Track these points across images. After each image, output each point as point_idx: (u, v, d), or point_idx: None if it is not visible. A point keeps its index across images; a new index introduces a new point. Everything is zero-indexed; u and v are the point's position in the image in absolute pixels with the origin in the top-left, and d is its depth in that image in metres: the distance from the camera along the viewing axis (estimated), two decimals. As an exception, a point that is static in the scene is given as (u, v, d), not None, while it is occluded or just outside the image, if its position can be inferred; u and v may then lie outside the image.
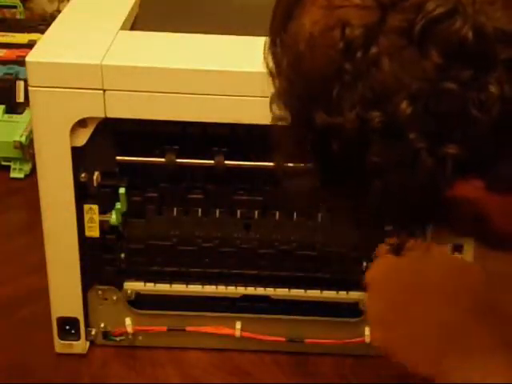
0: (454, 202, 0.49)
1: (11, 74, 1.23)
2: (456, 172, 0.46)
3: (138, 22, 0.87)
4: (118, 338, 0.87)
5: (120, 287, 0.85)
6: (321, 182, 0.51)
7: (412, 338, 0.66)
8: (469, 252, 0.82)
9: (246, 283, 0.85)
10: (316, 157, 0.50)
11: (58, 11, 1.53)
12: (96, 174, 0.79)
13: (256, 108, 0.74)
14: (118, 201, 0.80)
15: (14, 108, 1.22)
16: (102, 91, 0.73)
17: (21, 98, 1.22)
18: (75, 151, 0.77)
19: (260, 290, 0.85)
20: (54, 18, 0.83)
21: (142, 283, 0.85)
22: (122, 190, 0.80)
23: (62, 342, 0.85)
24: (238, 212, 0.83)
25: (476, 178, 0.47)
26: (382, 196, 0.48)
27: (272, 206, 0.82)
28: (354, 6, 0.45)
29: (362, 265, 0.83)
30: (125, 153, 0.79)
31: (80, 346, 0.86)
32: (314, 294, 0.85)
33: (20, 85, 1.22)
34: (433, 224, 0.53)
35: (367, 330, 0.84)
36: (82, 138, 0.76)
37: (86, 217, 0.81)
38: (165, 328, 0.86)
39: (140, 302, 0.85)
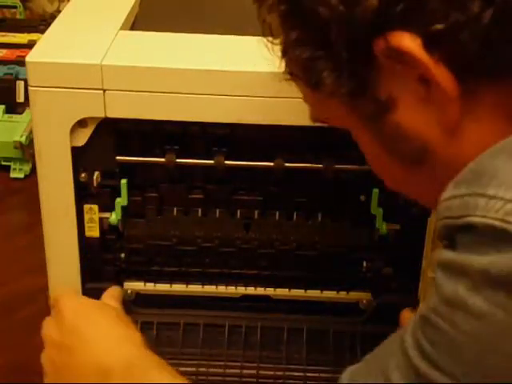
0: (379, 60, 0.49)
1: (11, 74, 1.23)
2: (404, 11, 0.47)
3: (138, 22, 0.87)
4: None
5: (120, 287, 0.85)
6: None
7: None
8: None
9: (246, 283, 0.85)
10: None
11: (58, 11, 1.53)
12: (96, 173, 0.79)
13: (256, 108, 0.74)
14: (119, 197, 0.80)
15: (14, 108, 1.23)
16: (101, 91, 0.73)
17: (21, 98, 1.22)
18: (75, 151, 0.77)
19: (260, 290, 0.85)
20: (54, 18, 0.83)
21: (141, 283, 0.85)
22: (123, 181, 0.80)
23: (62, 341, 0.85)
24: (238, 212, 0.83)
25: (414, 33, 0.48)
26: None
27: (272, 206, 0.83)
28: None
29: (362, 265, 0.83)
30: (125, 153, 0.79)
31: (80, 345, 0.86)
32: (313, 293, 0.85)
33: (20, 85, 1.22)
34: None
35: (367, 330, 0.84)
36: (82, 138, 0.76)
37: (86, 217, 0.81)
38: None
39: (140, 301, 0.86)
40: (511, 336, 0.44)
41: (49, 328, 0.74)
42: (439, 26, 0.47)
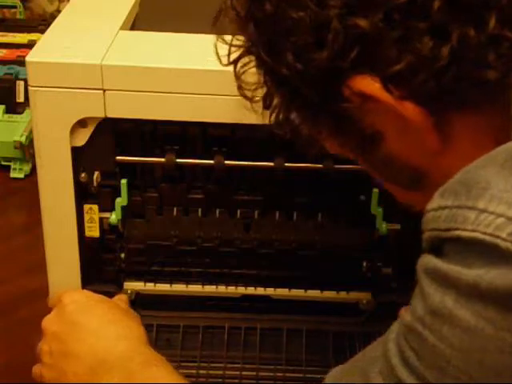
0: (352, 101, 0.51)
1: (11, 74, 1.23)
2: (358, 57, 0.48)
3: (137, 21, 0.87)
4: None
5: (120, 287, 0.85)
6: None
7: None
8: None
9: (246, 283, 0.85)
10: None
11: (58, 11, 1.53)
12: (96, 173, 0.79)
13: (256, 108, 0.74)
14: (119, 197, 0.80)
15: (14, 108, 1.22)
16: (101, 91, 0.73)
17: (21, 98, 1.22)
18: (75, 151, 0.77)
19: (260, 290, 0.85)
20: (54, 18, 0.83)
21: (141, 283, 0.85)
22: (123, 181, 0.80)
23: (62, 341, 0.85)
24: (238, 212, 0.83)
25: (373, 75, 0.49)
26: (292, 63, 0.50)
27: (272, 206, 0.83)
28: None
29: (362, 265, 0.83)
30: (125, 153, 0.79)
31: (80, 345, 0.86)
32: (313, 293, 0.85)
33: (20, 85, 1.22)
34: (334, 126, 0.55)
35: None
36: (82, 137, 0.76)
37: (86, 217, 0.81)
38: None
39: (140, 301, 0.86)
40: (498, 350, 0.43)
41: (49, 319, 0.75)
42: (395, 68, 0.48)
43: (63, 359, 0.72)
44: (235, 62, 0.58)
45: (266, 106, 0.59)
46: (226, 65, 0.59)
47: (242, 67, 0.58)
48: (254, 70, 0.57)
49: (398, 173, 0.56)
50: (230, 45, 0.58)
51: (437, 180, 0.51)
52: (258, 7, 0.51)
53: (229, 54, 0.58)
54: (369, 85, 0.49)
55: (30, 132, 1.16)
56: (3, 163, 1.21)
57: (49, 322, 0.75)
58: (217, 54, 0.60)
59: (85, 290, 0.81)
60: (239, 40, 0.57)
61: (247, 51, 0.56)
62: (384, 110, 0.50)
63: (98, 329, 0.72)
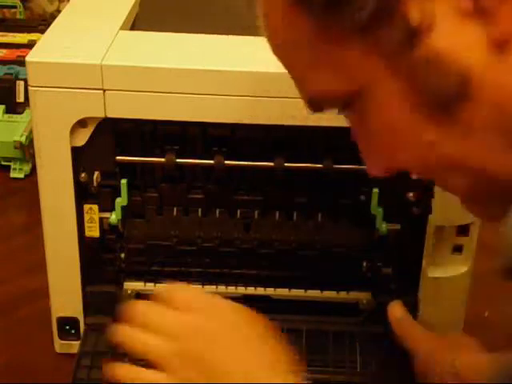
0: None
1: (11, 74, 1.23)
2: None
3: (137, 21, 0.87)
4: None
5: (120, 287, 0.85)
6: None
7: None
8: (469, 253, 0.82)
9: (246, 283, 0.85)
10: None
11: (58, 11, 1.53)
12: (96, 173, 0.79)
13: (256, 108, 0.74)
14: (119, 197, 0.80)
15: (14, 108, 1.22)
16: (101, 91, 0.73)
17: (21, 98, 1.22)
18: (75, 151, 0.77)
19: (260, 290, 0.85)
20: (54, 18, 0.83)
21: (141, 283, 0.85)
22: (123, 181, 0.80)
23: (62, 342, 0.85)
24: (238, 212, 0.83)
25: None
26: None
27: (272, 206, 0.83)
28: None
29: (361, 265, 0.83)
30: (125, 153, 0.79)
31: (80, 345, 0.86)
32: (314, 293, 0.85)
33: (20, 85, 1.22)
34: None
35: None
36: (82, 137, 0.76)
37: (86, 217, 0.81)
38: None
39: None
40: None
41: (170, 320, 0.60)
42: None
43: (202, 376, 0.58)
44: None
45: None
46: None
47: None
48: None
49: (439, 80, 0.44)
50: None
51: (487, 98, 0.43)
52: None
53: None
54: None
55: (30, 132, 1.16)
56: (3, 163, 1.21)
57: (168, 321, 0.60)
58: None
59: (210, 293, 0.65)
60: None
61: None
62: None
63: (239, 356, 0.59)
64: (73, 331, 0.85)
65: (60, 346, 0.86)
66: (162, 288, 0.70)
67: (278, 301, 0.85)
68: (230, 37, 0.79)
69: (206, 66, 0.73)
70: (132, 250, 0.83)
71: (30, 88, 0.74)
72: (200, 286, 0.85)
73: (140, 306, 0.61)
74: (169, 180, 0.81)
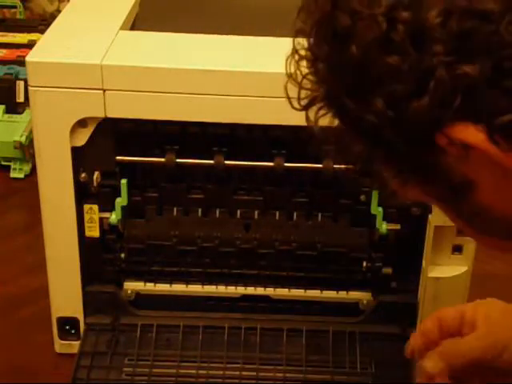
0: (446, 150, 0.46)
1: (11, 74, 1.23)
2: (462, 106, 0.43)
3: (137, 21, 0.87)
4: (117, 338, 0.87)
5: (120, 287, 0.85)
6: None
7: None
8: (469, 253, 0.82)
9: (246, 283, 0.85)
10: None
11: (58, 11, 1.53)
12: (96, 173, 0.79)
13: (256, 108, 0.74)
14: (119, 197, 0.80)
15: (14, 108, 1.22)
16: (101, 91, 0.73)
17: (21, 98, 1.22)
18: (75, 151, 0.77)
19: (260, 290, 0.85)
20: (54, 18, 0.83)
21: (141, 283, 0.85)
22: (123, 181, 0.80)
23: (62, 342, 0.85)
24: (238, 212, 0.83)
25: (477, 125, 0.44)
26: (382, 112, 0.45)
27: (272, 206, 0.83)
28: None
29: (361, 265, 0.83)
30: (125, 153, 0.79)
31: (80, 345, 0.86)
32: (314, 293, 0.85)
33: (20, 85, 1.22)
34: (417, 175, 0.49)
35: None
36: (82, 138, 0.76)
37: (86, 217, 0.81)
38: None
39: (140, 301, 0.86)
40: None
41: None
42: (505, 119, 0.43)
43: None
44: (307, 108, 0.51)
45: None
46: (299, 109, 0.52)
47: (316, 112, 0.51)
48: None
49: (492, 224, 0.50)
50: (301, 87, 0.51)
51: None
52: (342, 50, 0.45)
53: (299, 98, 0.52)
54: (473, 135, 0.44)
55: (30, 132, 1.16)
56: (3, 163, 1.21)
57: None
58: (287, 96, 0.52)
59: None
60: (310, 81, 0.50)
61: (325, 96, 0.49)
62: (482, 160, 0.45)
63: None
64: (73, 331, 0.85)
65: (60, 346, 0.86)
66: None
67: (278, 301, 0.85)
68: (230, 37, 0.79)
69: (206, 66, 0.73)
70: (132, 250, 0.83)
71: (29, 88, 0.74)
72: (200, 286, 0.85)
73: None
74: (169, 180, 0.81)
